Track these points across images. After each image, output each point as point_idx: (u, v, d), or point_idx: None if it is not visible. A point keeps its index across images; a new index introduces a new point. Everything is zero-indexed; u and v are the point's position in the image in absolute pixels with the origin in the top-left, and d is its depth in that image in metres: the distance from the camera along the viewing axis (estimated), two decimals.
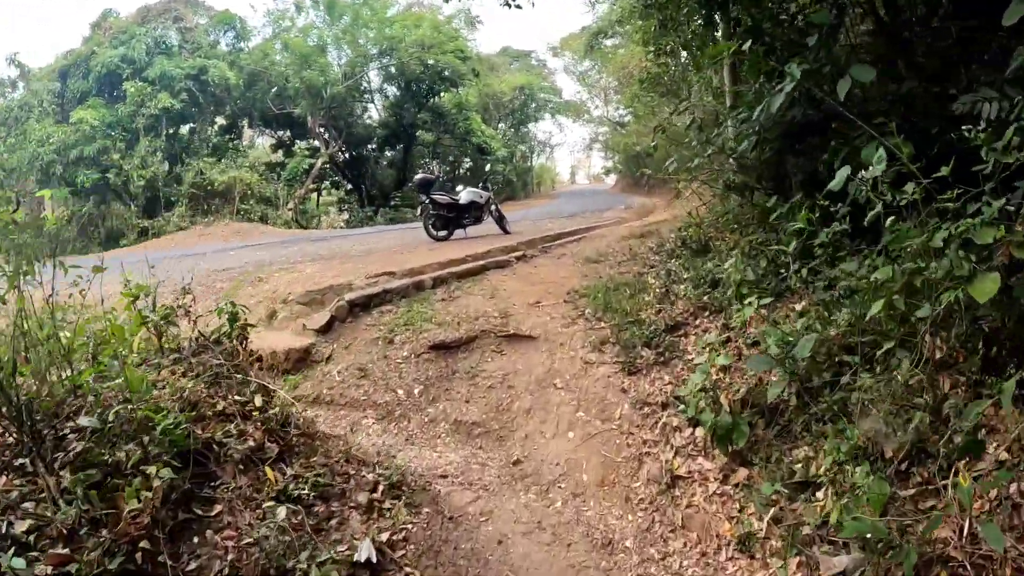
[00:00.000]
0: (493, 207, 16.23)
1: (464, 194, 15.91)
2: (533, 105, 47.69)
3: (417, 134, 37.18)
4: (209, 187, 28.83)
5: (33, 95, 31.08)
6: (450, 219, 15.47)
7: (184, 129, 32.30)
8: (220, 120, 35.75)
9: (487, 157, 36.83)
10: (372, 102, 38.23)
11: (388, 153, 39.21)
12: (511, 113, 46.62)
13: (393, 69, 34.65)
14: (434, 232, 15.43)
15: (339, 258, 13.30)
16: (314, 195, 38.86)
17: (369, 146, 38.03)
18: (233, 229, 27.50)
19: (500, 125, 44.78)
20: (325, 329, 8.52)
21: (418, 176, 16.11)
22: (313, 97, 30.89)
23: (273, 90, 32.22)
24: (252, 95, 32.28)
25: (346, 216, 37.80)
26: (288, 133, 36.92)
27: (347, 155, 37.02)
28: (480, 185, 16.53)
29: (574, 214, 22.23)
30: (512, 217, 20.90)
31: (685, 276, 8.11)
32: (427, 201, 15.37)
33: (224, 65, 31.46)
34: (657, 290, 8.02)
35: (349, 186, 39.53)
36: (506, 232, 15.99)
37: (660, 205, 27.50)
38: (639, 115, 35.04)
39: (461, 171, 42.15)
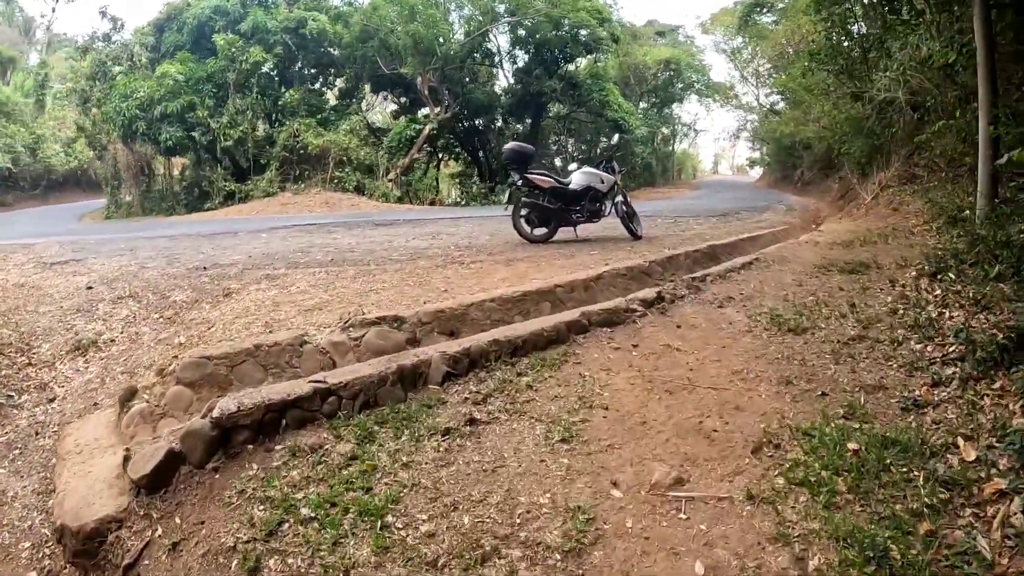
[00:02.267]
0: (619, 198, 10.78)
1: (577, 176, 10.51)
2: (679, 84, 41.22)
3: (547, 105, 31.76)
4: (302, 151, 24.58)
5: (123, 48, 27.78)
6: (553, 212, 10.17)
7: (290, 90, 28.19)
8: (339, 83, 31.73)
9: (624, 136, 31.08)
10: (499, 67, 32.93)
11: (513, 124, 33.85)
12: (654, 90, 40.34)
13: (522, 31, 29.24)
14: (527, 229, 10.22)
15: (363, 264, 8.34)
16: (431, 166, 34.24)
17: (493, 115, 32.89)
18: (323, 198, 23.30)
19: (641, 103, 38.61)
20: (155, 483, 3.47)
21: (509, 145, 10.51)
22: (422, 55, 25.78)
23: (387, 51, 27.36)
24: (362, 53, 27.61)
25: (457, 192, 33.03)
26: (405, 98, 32.21)
27: (466, 124, 31.94)
28: (602, 165, 10.95)
29: (726, 214, 16.39)
30: (647, 209, 15.22)
31: None
32: (519, 183, 10.17)
33: (324, 18, 27.27)
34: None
35: (469, 158, 34.65)
36: (635, 237, 10.64)
37: (825, 209, 21.50)
38: (798, 101, 29.02)
39: (595, 152, 36.47)
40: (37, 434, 5.45)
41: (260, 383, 4.48)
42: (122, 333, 6.79)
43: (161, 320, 6.85)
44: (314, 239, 11.26)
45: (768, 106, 42.42)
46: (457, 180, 36.78)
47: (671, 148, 48.00)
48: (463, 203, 27.52)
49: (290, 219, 17.29)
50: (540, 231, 10.21)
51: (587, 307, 6.01)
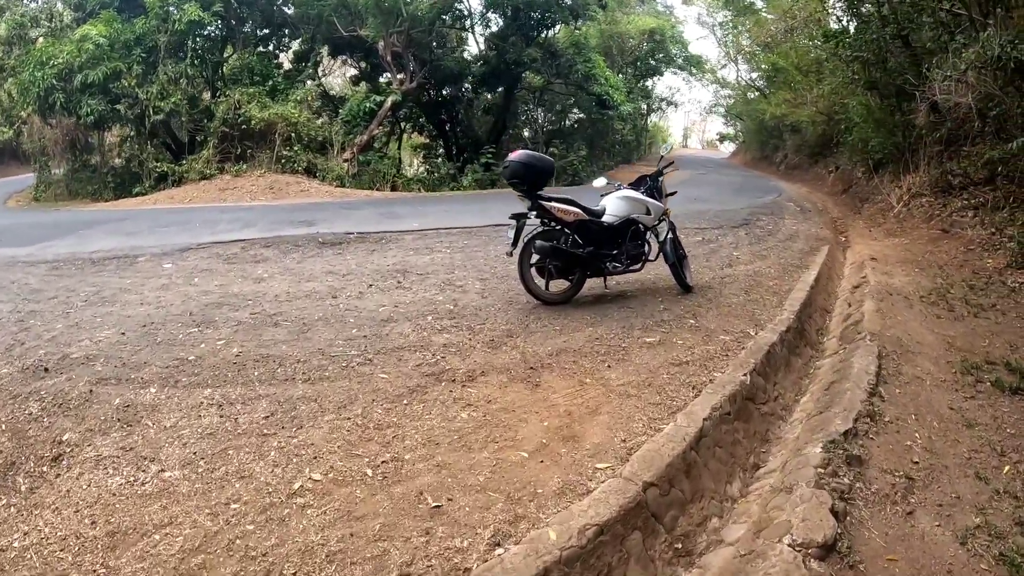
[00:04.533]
0: (668, 233, 7.36)
1: (613, 202, 7.02)
2: (661, 55, 37.68)
3: (523, 75, 27.81)
4: (244, 126, 20.54)
5: (42, 8, 23.40)
6: (579, 258, 6.69)
7: (232, 55, 24.07)
8: (294, 46, 27.31)
9: (608, 112, 27.48)
10: (471, 31, 28.94)
11: (484, 95, 30.03)
12: (634, 62, 36.74)
13: None
14: (539, 285, 6.74)
15: (286, 376, 4.92)
16: (392, 139, 30.29)
17: (463, 85, 28.89)
18: (267, 182, 19.57)
19: (619, 75, 35.03)
20: None
21: (515, 156, 6.54)
22: (384, 15, 21.65)
23: (346, 10, 23.26)
24: (318, 12, 23.51)
25: (420, 163, 29.29)
26: (366, 63, 28.11)
27: (432, 93, 28.08)
28: (645, 187, 7.43)
29: (747, 221, 13.22)
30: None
31: None
32: (530, 213, 6.57)
33: None
34: None
35: (435, 131, 30.89)
36: (687, 289, 7.37)
37: (831, 204, 18.70)
38: (787, 81, 26.08)
39: (567, 123, 32.67)
40: None
41: None
42: None
43: None
44: (231, 280, 7.72)
45: (750, 83, 39.51)
46: (421, 153, 33.06)
47: (644, 123, 44.75)
48: (429, 183, 23.77)
49: (222, 214, 13.65)
50: (559, 285, 6.82)
51: None
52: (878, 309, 7.25)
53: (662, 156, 7.92)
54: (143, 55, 20.54)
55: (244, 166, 20.23)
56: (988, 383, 5.51)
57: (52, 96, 19.89)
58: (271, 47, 26.41)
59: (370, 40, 23.14)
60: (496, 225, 11.42)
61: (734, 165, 41.82)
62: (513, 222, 6.48)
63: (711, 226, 12.37)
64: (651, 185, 7.42)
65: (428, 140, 32.43)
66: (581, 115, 31.27)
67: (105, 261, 8.96)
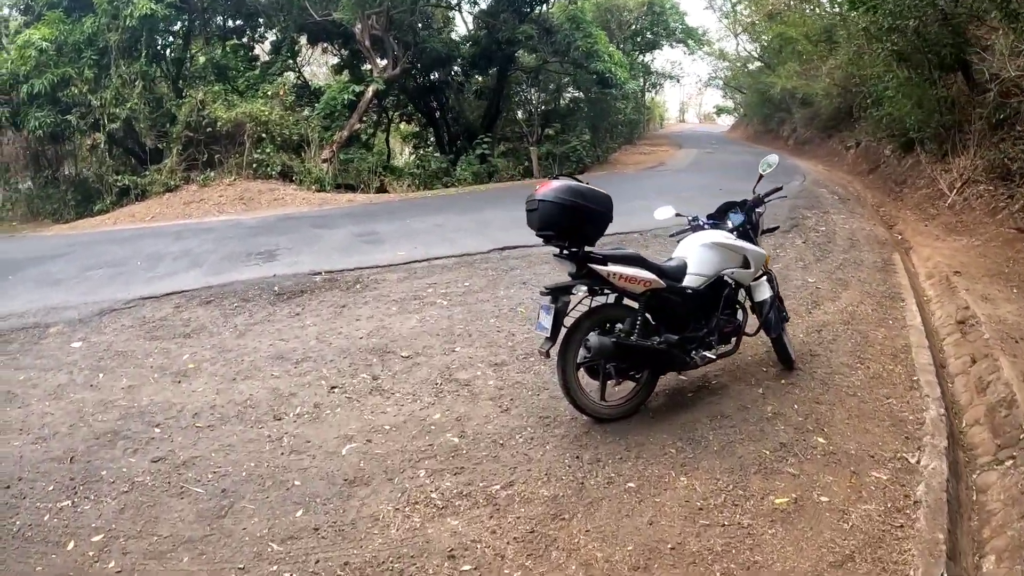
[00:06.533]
0: (767, 291, 4.92)
1: (696, 253, 4.55)
2: (659, 28, 35.20)
3: (516, 54, 25.08)
4: (210, 128, 18.00)
5: None
6: (651, 353, 4.21)
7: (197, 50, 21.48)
8: (270, 36, 24.42)
9: (609, 90, 24.95)
10: (458, 9, 26.33)
11: (475, 78, 27.46)
12: (633, 36, 34.27)
13: None
14: (588, 396, 4.19)
15: None
16: (379, 130, 27.82)
17: (452, 69, 26.29)
18: (238, 191, 17.25)
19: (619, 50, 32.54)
20: None
21: (545, 190, 3.83)
22: None
23: None
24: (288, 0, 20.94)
25: (410, 152, 27.61)
26: (346, 50, 25.39)
27: (419, 80, 25.57)
28: (737, 226, 4.95)
29: (796, 223, 11.12)
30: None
31: None
32: (578, 284, 4.02)
33: None
34: None
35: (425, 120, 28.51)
36: (790, 365, 5.02)
37: (859, 186, 16.66)
38: (804, 51, 23.84)
39: (562, 103, 30.07)
40: None
41: None
42: None
43: None
44: (145, 377, 5.42)
45: (752, 54, 37.26)
46: (412, 141, 30.64)
47: (644, 99, 42.42)
48: (420, 178, 21.42)
49: (174, 242, 11.30)
50: (618, 391, 4.46)
51: None
52: None
53: (761, 175, 5.18)
54: (95, 57, 17.88)
55: (212, 174, 17.75)
56: None
57: None
58: (245, 39, 23.75)
59: (346, 24, 20.62)
60: (503, 248, 9.16)
61: (737, 140, 39.57)
62: (547, 297, 4.01)
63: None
64: (745, 220, 5.00)
65: (418, 128, 30.05)
66: (578, 94, 28.80)
67: (12, 334, 6.67)
